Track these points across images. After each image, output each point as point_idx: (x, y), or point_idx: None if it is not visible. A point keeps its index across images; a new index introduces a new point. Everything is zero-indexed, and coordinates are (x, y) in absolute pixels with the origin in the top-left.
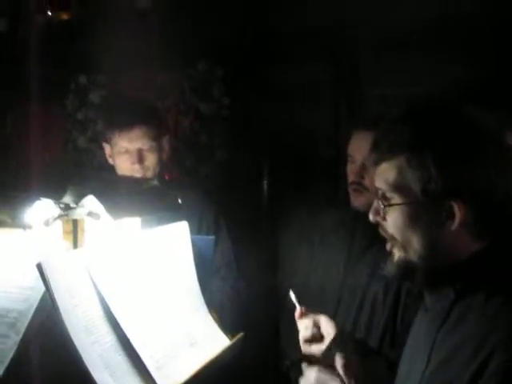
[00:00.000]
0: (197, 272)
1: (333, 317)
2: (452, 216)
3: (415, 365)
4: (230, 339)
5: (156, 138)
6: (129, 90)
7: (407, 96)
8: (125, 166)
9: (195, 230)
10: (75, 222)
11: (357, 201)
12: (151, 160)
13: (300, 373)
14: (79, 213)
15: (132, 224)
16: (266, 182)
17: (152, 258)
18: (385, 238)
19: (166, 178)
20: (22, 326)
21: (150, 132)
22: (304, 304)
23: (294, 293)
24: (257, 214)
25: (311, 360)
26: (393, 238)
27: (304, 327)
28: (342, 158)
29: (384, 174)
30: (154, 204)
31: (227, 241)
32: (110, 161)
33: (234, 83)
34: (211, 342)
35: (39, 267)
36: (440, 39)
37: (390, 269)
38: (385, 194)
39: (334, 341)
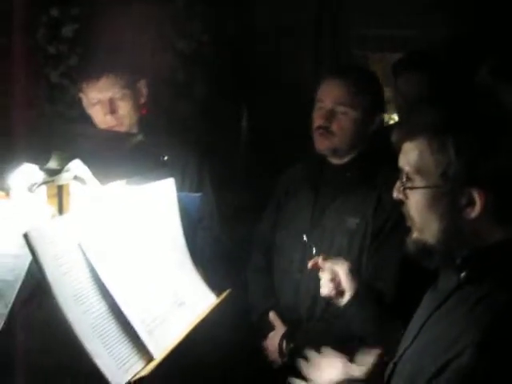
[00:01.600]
0: (182, 229)
1: (299, 270)
2: (472, 203)
3: (405, 339)
4: (217, 296)
5: (129, 85)
6: (103, 24)
7: (387, 37)
8: (99, 116)
9: (178, 185)
10: (60, 187)
11: (322, 145)
12: (125, 108)
13: (269, 325)
14: (65, 177)
15: (118, 186)
16: (245, 123)
17: (139, 218)
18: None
19: (143, 112)
20: (10, 298)
21: (120, 80)
22: (270, 258)
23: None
24: (234, 156)
25: None
26: (412, 219)
27: (326, 282)
28: None
29: (407, 155)
30: (139, 164)
31: (210, 193)
32: (86, 111)
33: (214, 20)
34: (199, 300)
35: (26, 237)
36: None
37: (408, 245)
38: (408, 174)
39: (355, 297)
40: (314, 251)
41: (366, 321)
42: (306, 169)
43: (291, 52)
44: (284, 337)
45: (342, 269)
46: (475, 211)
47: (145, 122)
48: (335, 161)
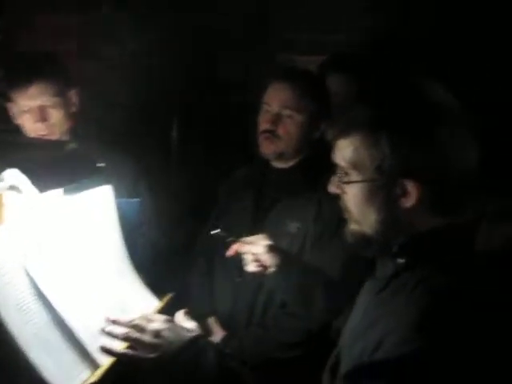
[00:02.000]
0: (123, 235)
1: (240, 273)
2: (407, 194)
3: (348, 329)
4: (160, 300)
5: (59, 93)
6: (28, 34)
7: (315, 41)
8: (28, 125)
9: (115, 192)
10: None
11: (268, 149)
12: (56, 116)
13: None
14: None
15: (55, 194)
16: (175, 128)
17: (78, 226)
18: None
19: (74, 122)
20: None
21: (51, 87)
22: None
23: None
24: (167, 163)
25: None
26: (349, 211)
27: (249, 262)
28: (251, 105)
29: (342, 151)
30: (75, 172)
31: (147, 198)
32: (15, 121)
33: (140, 28)
34: (141, 306)
35: None
36: None
37: (346, 236)
38: (344, 169)
39: (278, 270)
40: (229, 239)
41: (288, 288)
42: (249, 172)
43: (221, 57)
44: (222, 342)
45: (259, 248)
46: (410, 202)
47: (75, 132)
48: (279, 165)
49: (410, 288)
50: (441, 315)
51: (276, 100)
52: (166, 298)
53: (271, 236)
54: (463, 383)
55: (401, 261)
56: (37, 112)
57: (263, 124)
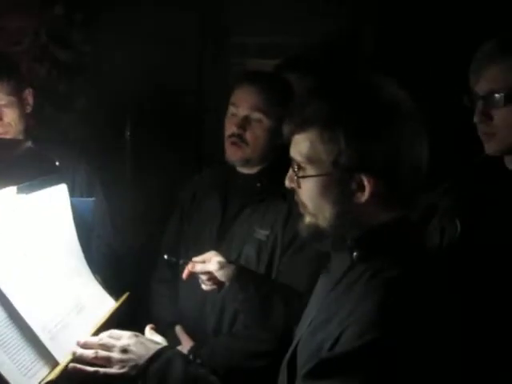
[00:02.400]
0: (78, 234)
1: None
2: (362, 188)
3: (304, 320)
4: (116, 300)
5: (15, 92)
6: None
7: (266, 45)
8: None
9: (69, 191)
10: None
11: (234, 155)
12: (11, 116)
13: (174, 339)
14: None
15: (8, 192)
16: (128, 133)
17: (33, 225)
18: (261, 200)
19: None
20: None
21: (6, 86)
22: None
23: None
24: (121, 165)
25: None
26: (304, 205)
27: (204, 281)
28: (204, 109)
29: (298, 145)
30: (31, 169)
31: (102, 200)
32: None
33: (94, 29)
34: (98, 305)
35: None
36: None
37: (301, 230)
38: (299, 164)
39: (232, 284)
40: (181, 262)
41: (245, 300)
42: (213, 177)
43: (174, 61)
44: (191, 352)
45: (212, 266)
46: (365, 195)
47: (29, 132)
48: (245, 170)
49: (365, 280)
50: (395, 306)
51: (245, 102)
52: (122, 298)
53: (239, 243)
54: (420, 372)
55: (355, 254)
56: None
57: (230, 127)
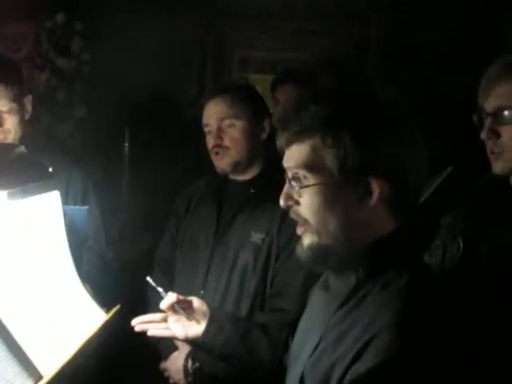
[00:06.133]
0: (69, 243)
1: (203, 286)
2: (369, 193)
3: (307, 344)
4: (106, 313)
5: (16, 99)
6: None
7: (265, 60)
8: None
9: (63, 198)
10: None
11: (221, 163)
12: (12, 122)
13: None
14: None
15: None
16: (127, 143)
17: (23, 231)
18: (256, 205)
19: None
20: None
21: (9, 92)
22: (171, 278)
23: (152, 278)
24: (118, 177)
25: None
26: (306, 222)
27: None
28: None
29: (295, 155)
30: (22, 175)
31: (95, 210)
32: None
33: (95, 39)
34: (88, 318)
35: None
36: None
37: (300, 252)
38: (297, 175)
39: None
40: (161, 290)
41: (225, 341)
42: (208, 185)
43: (176, 75)
44: (189, 356)
45: (194, 301)
46: (372, 200)
47: (25, 139)
48: (238, 178)
49: (376, 294)
50: (416, 315)
51: (213, 117)
52: (113, 310)
53: (235, 248)
54: (450, 374)
55: (362, 272)
56: None
57: (210, 142)
